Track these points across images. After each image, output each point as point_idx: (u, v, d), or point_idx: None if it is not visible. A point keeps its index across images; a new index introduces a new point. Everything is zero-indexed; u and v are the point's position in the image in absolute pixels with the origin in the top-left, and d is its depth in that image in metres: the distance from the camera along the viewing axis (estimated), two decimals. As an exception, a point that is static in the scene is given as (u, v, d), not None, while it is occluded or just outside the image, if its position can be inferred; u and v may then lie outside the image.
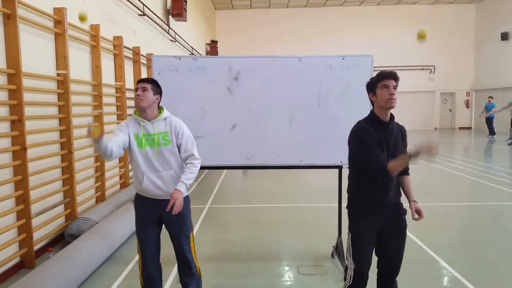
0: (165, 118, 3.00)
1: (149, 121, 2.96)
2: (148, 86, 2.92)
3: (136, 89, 2.92)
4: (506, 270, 4.08)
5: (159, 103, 3.03)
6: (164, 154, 2.95)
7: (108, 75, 6.68)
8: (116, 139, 2.87)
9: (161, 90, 3.04)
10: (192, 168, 2.94)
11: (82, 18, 2.61)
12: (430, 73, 22.93)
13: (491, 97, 17.89)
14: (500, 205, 6.58)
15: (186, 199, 3.06)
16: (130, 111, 7.62)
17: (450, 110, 23.48)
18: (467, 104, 23.11)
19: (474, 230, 5.52)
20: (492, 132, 17.39)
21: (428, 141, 2.36)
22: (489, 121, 17.43)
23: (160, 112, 3.02)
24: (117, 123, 7.07)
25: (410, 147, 2.44)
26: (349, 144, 2.77)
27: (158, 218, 3.07)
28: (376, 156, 2.55)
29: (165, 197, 2.95)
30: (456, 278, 3.89)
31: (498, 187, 7.83)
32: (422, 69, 22.83)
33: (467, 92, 23.05)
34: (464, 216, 6.19)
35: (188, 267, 3.12)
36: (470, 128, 22.99)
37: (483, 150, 14.12)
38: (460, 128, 23.15)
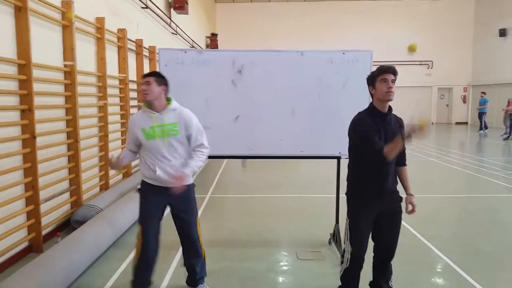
0: (174, 109, 3.13)
1: (158, 112, 3.09)
2: (151, 79, 3.04)
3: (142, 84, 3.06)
4: (497, 258, 4.27)
5: (166, 93, 3.15)
6: (173, 144, 3.08)
7: (112, 67, 6.81)
8: (127, 151, 3.23)
9: (166, 81, 3.15)
10: (201, 156, 3.10)
11: (69, 18, 2.76)
12: (428, 68, 23.10)
13: (484, 93, 18.13)
14: (493, 197, 6.78)
15: (192, 186, 3.23)
16: (132, 103, 7.76)
17: (447, 105, 23.69)
18: (464, 100, 23.32)
19: (467, 221, 5.71)
20: (484, 126, 17.61)
21: (418, 122, 2.47)
22: (480, 116, 17.67)
23: (168, 103, 3.15)
24: (120, 114, 7.22)
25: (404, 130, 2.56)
26: (349, 135, 2.94)
27: (165, 205, 3.21)
28: (373, 141, 2.71)
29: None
30: (448, 265, 4.07)
31: (491, 180, 8.03)
32: (420, 64, 22.99)
33: (464, 88, 23.24)
34: (458, 208, 6.37)
35: (195, 250, 3.29)
36: (466, 123, 23.20)
37: (478, 144, 14.32)
38: (457, 123, 23.37)
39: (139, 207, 3.24)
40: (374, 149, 2.68)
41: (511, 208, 6.22)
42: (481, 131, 17.47)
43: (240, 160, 10.67)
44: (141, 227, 3.18)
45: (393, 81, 2.79)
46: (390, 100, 2.81)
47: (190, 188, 3.19)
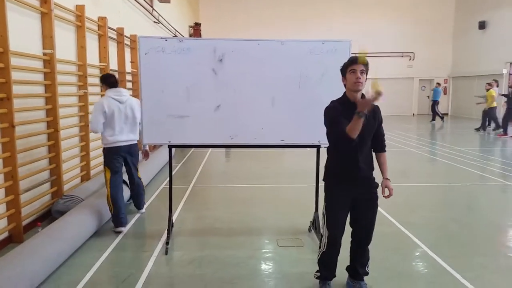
0: None
1: None
2: None
3: None
4: (468, 243, 4.44)
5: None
6: None
7: (92, 56, 6.73)
8: None
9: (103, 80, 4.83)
10: None
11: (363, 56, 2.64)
12: (409, 60, 23.37)
13: (439, 84, 19.66)
14: (469, 186, 6.98)
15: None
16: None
17: (428, 96, 24.01)
18: (445, 91, 23.67)
19: (442, 208, 5.87)
20: (434, 117, 18.77)
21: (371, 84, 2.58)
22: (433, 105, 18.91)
23: None
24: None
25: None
26: (324, 122, 3.02)
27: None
28: (338, 125, 2.80)
29: None
30: (424, 250, 4.20)
31: (468, 169, 8.25)
32: (402, 56, 23.23)
33: (445, 79, 23.60)
34: (435, 196, 6.55)
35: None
36: (447, 114, 23.57)
37: (458, 135, 14.61)
38: (438, 114, 23.73)
39: None
40: (338, 131, 2.77)
41: (484, 196, 6.44)
42: (433, 121, 18.61)
43: (224, 150, 10.70)
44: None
45: (363, 72, 2.85)
46: (359, 90, 2.89)
47: None
